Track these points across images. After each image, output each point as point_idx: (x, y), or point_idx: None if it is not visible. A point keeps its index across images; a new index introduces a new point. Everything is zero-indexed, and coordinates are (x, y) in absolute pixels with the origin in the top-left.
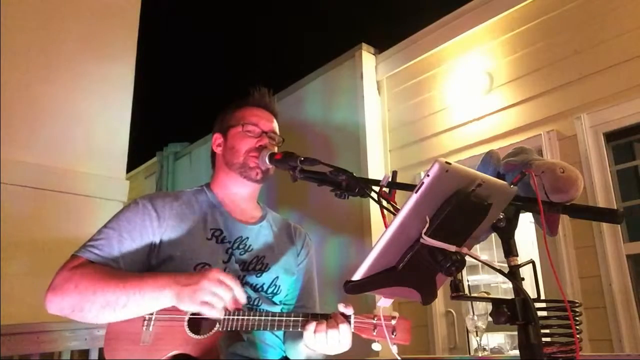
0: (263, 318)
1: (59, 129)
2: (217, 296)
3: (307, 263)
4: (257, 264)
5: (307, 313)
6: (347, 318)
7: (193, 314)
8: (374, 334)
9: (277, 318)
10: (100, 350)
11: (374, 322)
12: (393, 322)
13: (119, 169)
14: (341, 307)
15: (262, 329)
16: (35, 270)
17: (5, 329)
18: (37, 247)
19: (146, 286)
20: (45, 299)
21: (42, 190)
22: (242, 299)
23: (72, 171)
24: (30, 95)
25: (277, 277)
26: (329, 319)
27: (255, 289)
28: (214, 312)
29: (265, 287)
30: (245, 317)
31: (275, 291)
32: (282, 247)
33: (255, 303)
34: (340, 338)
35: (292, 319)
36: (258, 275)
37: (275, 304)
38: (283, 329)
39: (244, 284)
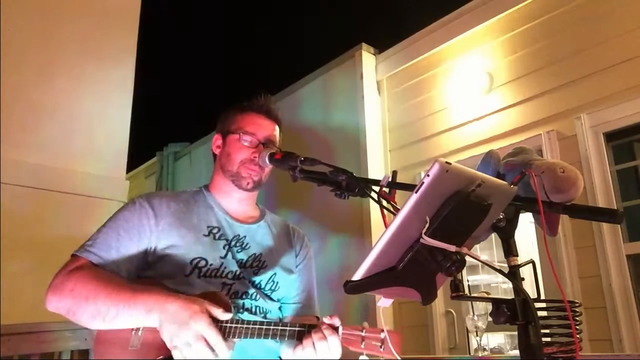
0: (251, 327)
1: (59, 129)
2: (192, 349)
3: (306, 264)
4: (255, 261)
5: (294, 323)
6: (334, 327)
7: None
8: (362, 346)
9: (264, 327)
10: None
11: (362, 334)
12: (382, 335)
13: (119, 169)
14: (327, 320)
15: (249, 337)
16: (35, 270)
17: (5, 329)
18: (37, 247)
19: (136, 305)
20: (45, 298)
21: (42, 190)
22: (223, 356)
23: (72, 171)
24: (30, 95)
25: (275, 274)
26: (315, 329)
27: (253, 285)
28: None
29: (263, 285)
30: (234, 325)
31: (273, 287)
32: (280, 247)
33: (254, 297)
34: (330, 349)
35: (279, 328)
36: (256, 272)
37: (273, 300)
38: (270, 337)
39: (241, 279)
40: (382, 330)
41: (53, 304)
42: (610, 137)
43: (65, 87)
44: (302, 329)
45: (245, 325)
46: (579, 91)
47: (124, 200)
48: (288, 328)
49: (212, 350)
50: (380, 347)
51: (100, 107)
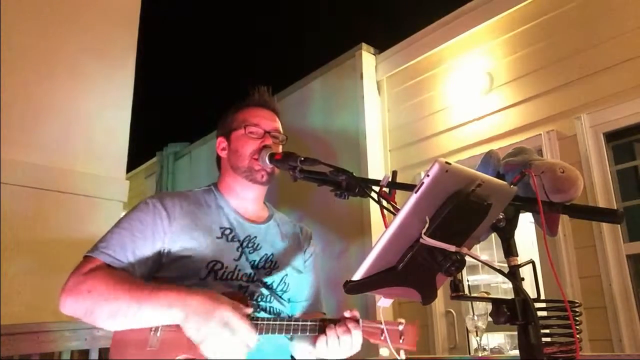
0: (272, 323)
1: (58, 129)
2: (219, 339)
3: (313, 262)
4: (267, 262)
5: (315, 318)
6: (356, 320)
7: None
8: (382, 338)
9: (285, 322)
10: (101, 351)
11: (382, 327)
12: (400, 327)
13: (119, 169)
14: (347, 314)
15: (271, 333)
16: (35, 270)
17: (5, 329)
18: (37, 247)
19: (157, 301)
20: (59, 301)
21: (42, 190)
22: (251, 342)
23: (72, 171)
24: (30, 95)
25: (286, 275)
26: (339, 323)
27: (266, 286)
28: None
29: (275, 285)
30: (256, 322)
31: (284, 289)
32: (289, 246)
33: (268, 299)
34: (353, 342)
35: (300, 323)
36: (268, 273)
37: (285, 301)
38: (292, 333)
39: (255, 281)
40: (401, 323)
41: (70, 306)
42: (610, 137)
43: (65, 87)
44: (323, 323)
45: (266, 322)
46: (579, 91)
47: (124, 200)
48: (309, 323)
49: (239, 336)
50: (400, 338)
51: (100, 107)
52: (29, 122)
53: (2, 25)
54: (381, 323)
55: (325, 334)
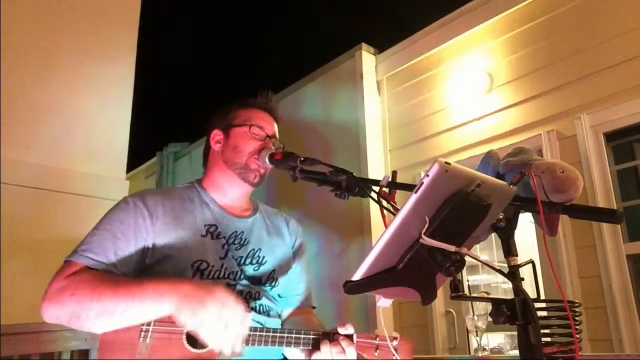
0: (264, 334)
1: (58, 129)
2: (218, 320)
3: (303, 255)
4: (254, 257)
5: (309, 331)
6: (350, 337)
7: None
8: (376, 354)
9: (278, 335)
10: None
11: (376, 342)
12: (395, 342)
13: (119, 169)
14: (341, 330)
15: (263, 345)
16: (35, 270)
17: (5, 329)
18: (37, 247)
19: (146, 294)
20: (42, 308)
21: (42, 190)
22: (244, 329)
23: (72, 171)
24: (30, 95)
25: (274, 270)
26: (333, 338)
27: (254, 283)
28: (209, 337)
29: (263, 281)
30: (249, 333)
31: (273, 284)
32: (276, 240)
33: (257, 296)
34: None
35: (293, 336)
36: (255, 269)
37: (274, 297)
38: (285, 345)
39: (242, 278)
40: (395, 338)
41: (52, 312)
42: (610, 137)
43: (65, 87)
44: (316, 337)
45: (259, 333)
46: (579, 91)
47: None
48: (302, 336)
49: (235, 318)
50: (394, 354)
51: (100, 107)
52: (29, 122)
53: (2, 26)
54: (375, 338)
55: (319, 350)
